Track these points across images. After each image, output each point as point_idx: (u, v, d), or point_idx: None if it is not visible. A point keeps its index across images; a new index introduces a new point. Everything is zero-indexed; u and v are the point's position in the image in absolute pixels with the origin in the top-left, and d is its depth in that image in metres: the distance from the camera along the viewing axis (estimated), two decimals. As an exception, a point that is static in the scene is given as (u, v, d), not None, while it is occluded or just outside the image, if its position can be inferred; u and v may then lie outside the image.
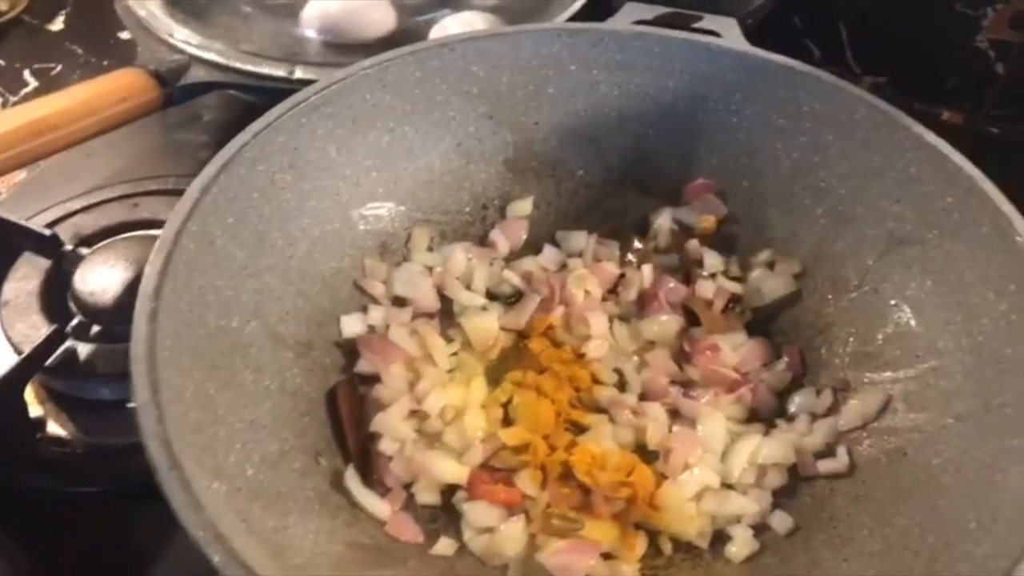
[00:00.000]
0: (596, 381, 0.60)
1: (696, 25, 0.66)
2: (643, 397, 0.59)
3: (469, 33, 0.64)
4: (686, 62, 0.64)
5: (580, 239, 0.67)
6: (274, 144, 0.57)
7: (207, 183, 0.53)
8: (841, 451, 0.54)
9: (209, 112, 0.90)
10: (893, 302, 0.58)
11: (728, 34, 0.65)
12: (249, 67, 0.72)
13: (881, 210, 0.59)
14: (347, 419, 0.55)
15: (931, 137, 0.57)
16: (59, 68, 0.96)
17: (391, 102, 0.62)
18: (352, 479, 0.53)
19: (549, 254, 0.66)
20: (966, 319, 0.53)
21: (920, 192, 0.57)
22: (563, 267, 0.66)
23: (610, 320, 0.63)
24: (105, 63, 0.96)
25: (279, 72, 0.71)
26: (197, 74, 0.72)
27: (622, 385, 0.60)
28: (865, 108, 0.59)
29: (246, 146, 0.55)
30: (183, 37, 0.73)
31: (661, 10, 0.67)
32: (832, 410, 0.57)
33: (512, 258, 0.66)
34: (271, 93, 0.67)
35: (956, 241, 0.55)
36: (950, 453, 0.50)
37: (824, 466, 0.54)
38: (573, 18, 0.75)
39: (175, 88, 0.70)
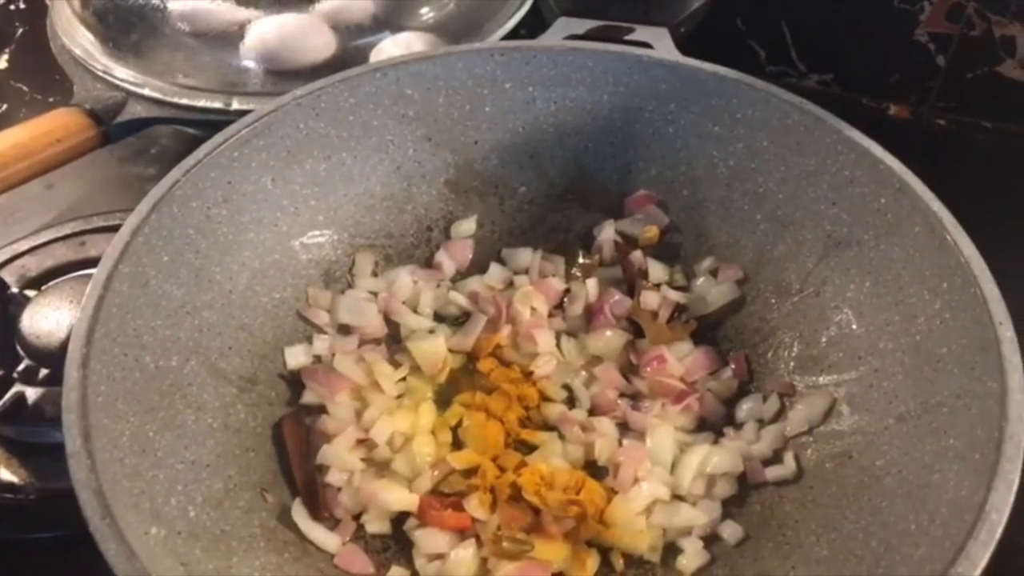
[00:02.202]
0: (545, 398, 0.60)
1: (628, 37, 0.66)
2: (592, 412, 0.59)
3: (401, 56, 0.64)
4: (619, 75, 0.64)
5: (526, 256, 0.67)
6: (207, 180, 0.57)
7: (138, 224, 0.53)
8: (788, 457, 0.55)
9: (159, 144, 0.90)
10: (834, 304, 0.58)
11: (660, 45, 0.65)
12: (186, 101, 0.72)
13: (818, 213, 0.59)
14: (293, 452, 0.55)
15: (862, 139, 0.57)
16: (4, 107, 0.95)
17: (325, 130, 0.62)
18: (299, 513, 0.52)
19: (495, 272, 0.66)
20: (904, 319, 0.54)
21: (855, 194, 0.58)
22: (510, 285, 0.66)
23: (557, 336, 0.63)
24: (51, 100, 0.96)
25: (216, 104, 0.71)
26: (134, 110, 0.71)
27: (571, 401, 0.60)
28: (797, 113, 0.60)
29: (177, 184, 0.55)
30: (120, 74, 0.73)
31: (593, 24, 0.67)
32: (779, 416, 0.57)
33: (458, 278, 0.66)
34: (212, 126, 0.66)
35: (891, 242, 0.55)
36: (892, 454, 0.50)
37: (772, 473, 0.54)
38: (510, 34, 0.75)
39: (112, 126, 0.70)
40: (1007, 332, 0.47)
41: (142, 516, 0.44)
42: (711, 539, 0.53)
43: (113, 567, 0.40)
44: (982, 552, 0.40)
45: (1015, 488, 0.42)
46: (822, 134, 0.59)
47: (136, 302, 0.52)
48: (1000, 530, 0.41)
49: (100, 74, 0.73)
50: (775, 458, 0.55)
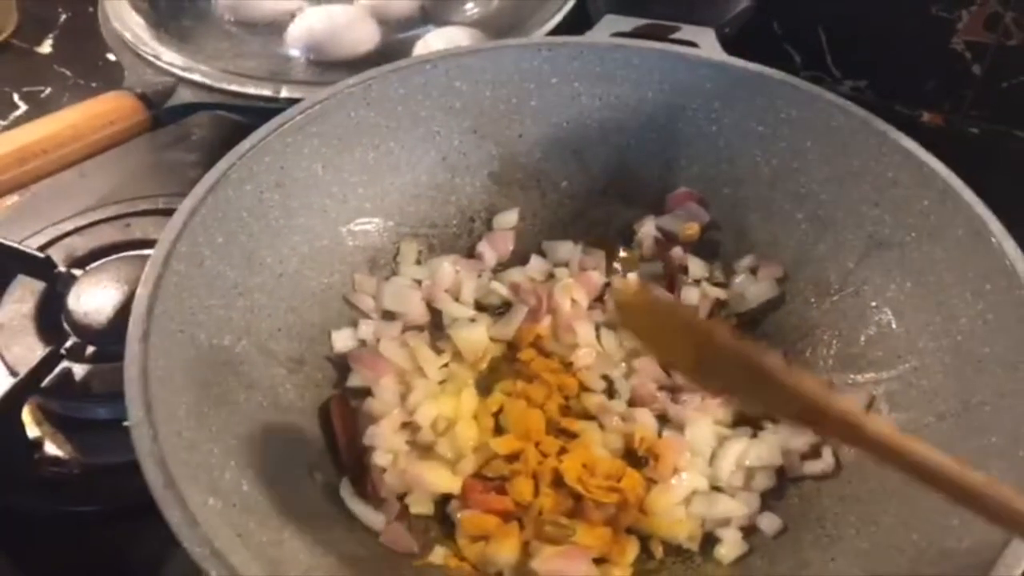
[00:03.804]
0: (585, 389, 0.61)
1: (673, 36, 0.67)
2: (631, 403, 0.60)
3: (451, 49, 0.65)
4: (664, 73, 0.65)
5: (566, 249, 0.68)
6: (261, 164, 0.58)
7: (196, 205, 0.54)
8: (827, 452, 0.55)
9: (199, 131, 0.91)
10: (874, 304, 0.59)
11: (705, 44, 0.66)
12: (235, 87, 0.73)
13: (860, 214, 0.60)
14: (340, 433, 0.56)
15: (907, 141, 0.58)
16: (48, 91, 0.96)
17: (375, 119, 0.63)
18: (346, 491, 0.53)
19: (536, 264, 0.67)
20: (945, 319, 0.54)
21: (897, 196, 0.58)
22: (550, 277, 0.67)
23: (597, 328, 0.63)
24: (94, 85, 0.97)
25: (265, 92, 0.72)
26: (184, 96, 0.72)
27: (611, 392, 0.61)
28: (842, 114, 0.61)
29: (233, 167, 0.56)
30: (169, 59, 0.74)
31: (639, 22, 0.68)
32: (817, 412, 0.58)
33: (499, 269, 0.67)
34: (258, 112, 0.67)
35: (933, 243, 0.56)
36: (932, 451, 0.51)
37: (810, 467, 0.55)
38: (554, 31, 0.76)
39: (162, 110, 0.71)
40: (1050, 334, 0.48)
41: (201, 487, 0.45)
42: (750, 530, 0.54)
43: (177, 534, 0.41)
44: (1027, 547, 0.41)
45: (1058, 484, 0.42)
46: (866, 136, 0.60)
47: (192, 281, 0.53)
48: (1046, 525, 0.41)
49: (150, 59, 0.75)
50: (813, 452, 0.56)
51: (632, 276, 0.65)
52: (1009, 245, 0.52)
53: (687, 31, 0.67)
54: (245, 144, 0.58)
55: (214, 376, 0.52)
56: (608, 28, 0.68)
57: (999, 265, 0.52)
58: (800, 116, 0.62)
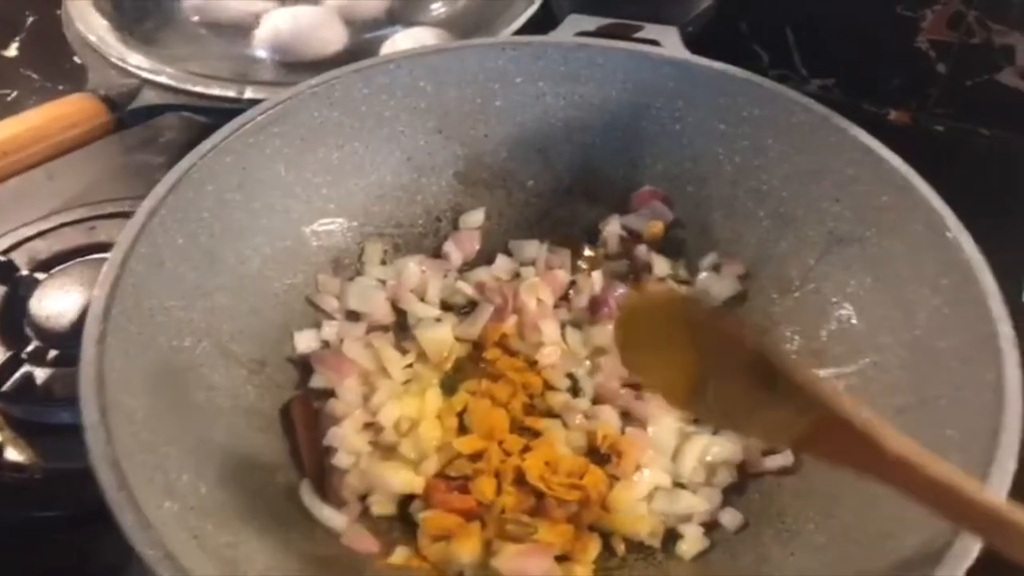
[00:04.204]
0: (549, 387, 0.61)
1: (637, 35, 0.67)
2: (596, 401, 0.60)
3: (415, 49, 0.65)
4: (628, 72, 0.65)
5: (532, 248, 0.68)
6: (222, 164, 0.58)
7: (155, 205, 0.54)
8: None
9: (167, 133, 0.90)
10: (835, 300, 0.59)
11: (668, 43, 0.66)
12: (199, 88, 0.72)
13: (821, 210, 0.61)
14: (302, 434, 0.56)
15: (866, 138, 0.59)
16: (15, 94, 0.96)
17: (339, 119, 0.63)
18: (307, 493, 0.53)
19: (502, 263, 0.67)
20: (904, 314, 0.55)
21: (857, 192, 0.59)
22: (516, 276, 0.67)
23: (563, 326, 0.64)
24: (61, 88, 0.96)
25: (229, 92, 0.72)
26: (148, 97, 0.72)
27: (575, 390, 0.61)
28: (803, 111, 0.61)
29: (194, 167, 0.56)
30: (133, 61, 0.74)
31: (603, 21, 0.68)
32: (779, 407, 0.58)
33: (465, 269, 0.68)
34: (224, 114, 0.67)
35: (892, 239, 0.57)
36: (891, 446, 0.51)
37: (771, 462, 0.55)
38: (520, 31, 0.76)
39: (126, 112, 0.70)
40: (1005, 327, 0.48)
41: (156, 489, 0.45)
42: (711, 526, 0.54)
43: (129, 537, 0.41)
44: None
45: (1011, 476, 0.43)
46: (827, 133, 0.60)
47: (151, 282, 0.52)
48: (996, 516, 0.42)
49: (114, 61, 0.74)
50: (774, 448, 0.56)
51: (596, 274, 0.65)
52: (965, 240, 0.52)
53: (651, 30, 0.68)
54: (206, 144, 0.58)
55: (174, 378, 0.52)
56: (572, 27, 0.68)
57: (955, 259, 0.52)
58: (762, 114, 0.62)
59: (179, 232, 0.55)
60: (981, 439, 0.45)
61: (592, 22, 0.68)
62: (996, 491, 0.42)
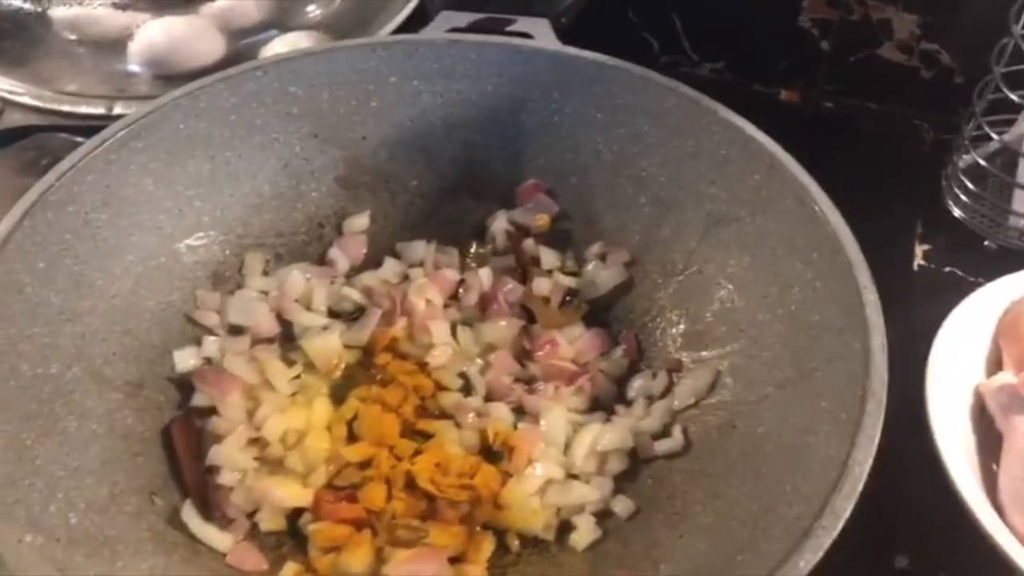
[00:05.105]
0: (441, 388, 0.60)
1: (509, 28, 0.67)
2: (488, 398, 0.59)
3: (282, 54, 0.64)
4: (502, 66, 0.65)
5: (419, 248, 0.67)
6: (83, 184, 0.56)
7: (10, 230, 0.52)
8: (676, 430, 0.56)
9: (49, 155, 0.87)
10: (717, 281, 0.60)
11: (540, 35, 0.66)
12: (66, 107, 0.70)
13: (699, 193, 0.61)
14: (183, 454, 0.54)
15: (735, 118, 0.59)
16: None
17: (207, 130, 0.61)
18: (190, 514, 0.52)
19: (389, 266, 0.66)
20: (780, 290, 0.55)
21: (731, 172, 0.59)
22: (405, 278, 0.66)
23: (453, 326, 0.63)
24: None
25: (98, 110, 0.70)
26: (13, 119, 0.70)
27: (467, 389, 0.60)
28: (673, 96, 0.61)
29: (51, 189, 0.54)
30: (-4, 83, 0.71)
31: (475, 16, 0.68)
32: (667, 391, 0.58)
33: (353, 274, 0.66)
34: (96, 132, 0.65)
35: (766, 216, 0.57)
36: (772, 421, 0.51)
37: (661, 447, 0.55)
38: (398, 30, 0.75)
39: (-11, 135, 0.68)
40: (871, 296, 0.49)
41: (16, 524, 0.43)
42: (604, 515, 0.54)
43: (-20, 575, 0.39)
44: (845, 504, 0.41)
45: (876, 443, 0.43)
46: (698, 115, 0.60)
47: (10, 310, 0.51)
48: (862, 483, 0.42)
49: (-24, 84, 0.72)
50: (664, 432, 0.56)
51: (484, 271, 0.65)
52: (832, 213, 0.53)
53: (523, 23, 0.67)
54: (64, 164, 0.56)
55: (39, 407, 0.50)
56: (444, 24, 0.67)
57: (823, 234, 0.53)
58: (635, 101, 0.63)
59: (40, 256, 0.53)
60: (849, 408, 0.45)
61: (464, 18, 0.68)
62: (861, 458, 0.43)
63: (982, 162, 0.71)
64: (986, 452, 0.55)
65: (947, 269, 0.73)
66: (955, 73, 0.87)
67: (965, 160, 0.75)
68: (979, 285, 0.61)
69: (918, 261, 0.74)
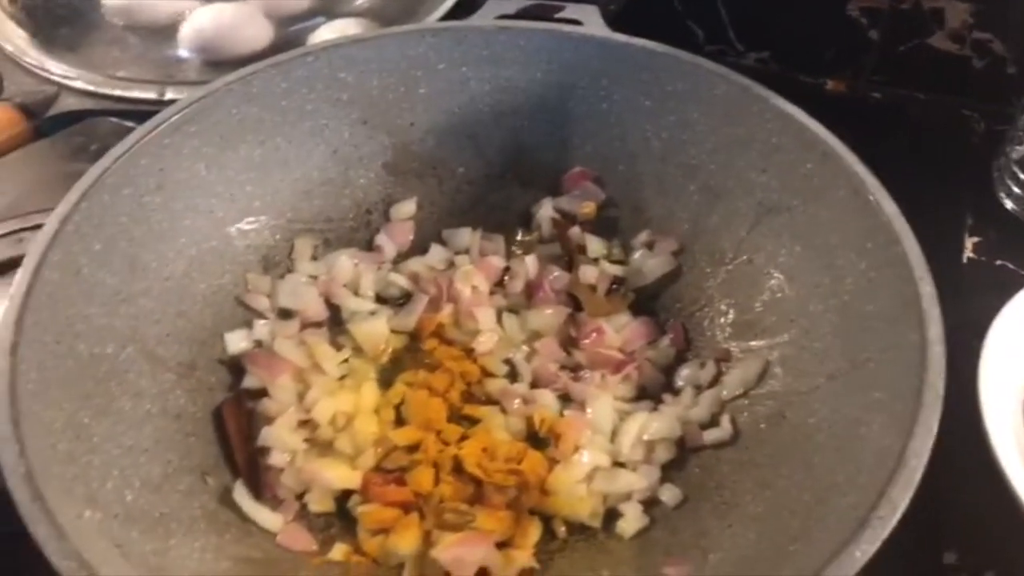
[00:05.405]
0: (487, 374, 0.60)
1: (559, 15, 0.67)
2: (534, 385, 0.60)
3: (332, 40, 0.64)
4: (552, 53, 0.65)
5: (465, 236, 0.67)
6: (138, 167, 0.57)
7: (68, 211, 0.53)
8: (725, 420, 0.55)
9: (99, 141, 0.89)
10: (767, 270, 0.59)
11: (590, 21, 0.66)
12: (119, 92, 0.71)
13: (749, 181, 0.60)
14: (234, 435, 0.55)
15: (787, 106, 0.58)
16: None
17: (259, 115, 0.62)
18: (241, 494, 0.52)
19: (436, 253, 0.66)
20: (833, 280, 0.55)
21: (783, 161, 0.59)
22: (451, 265, 0.66)
23: (499, 313, 0.63)
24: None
25: (150, 95, 0.71)
26: (67, 104, 0.71)
27: (513, 375, 0.60)
28: (723, 83, 0.61)
29: (107, 172, 0.55)
30: (51, 68, 0.72)
31: (524, 3, 0.68)
32: (715, 381, 0.58)
33: (399, 260, 0.67)
34: (149, 117, 0.66)
35: (819, 205, 0.56)
36: (823, 412, 0.51)
37: (709, 436, 0.55)
38: (446, 16, 0.75)
39: (44, 120, 0.69)
40: (927, 287, 0.48)
41: (75, 500, 0.44)
42: (651, 503, 0.54)
43: (43, 548, 0.40)
44: (903, 495, 0.41)
45: (934, 434, 0.43)
46: (749, 103, 0.60)
47: (68, 291, 0.51)
48: (919, 475, 0.42)
49: (31, 68, 0.73)
50: (712, 422, 0.56)
51: (531, 258, 0.65)
52: (887, 203, 0.52)
53: (572, 10, 0.67)
54: (119, 148, 0.56)
55: (96, 386, 0.51)
56: (493, 11, 0.67)
57: (877, 223, 0.52)
58: (684, 88, 0.62)
59: (96, 238, 0.54)
60: (905, 399, 0.45)
61: (513, 4, 0.67)
62: (919, 449, 0.42)
63: (1037, 153, 0.70)
64: (1040, 448, 0.54)
65: (998, 262, 0.72)
66: (1007, 63, 0.85)
67: (1018, 151, 0.73)
68: (1032, 279, 0.61)
69: (968, 254, 0.73)
